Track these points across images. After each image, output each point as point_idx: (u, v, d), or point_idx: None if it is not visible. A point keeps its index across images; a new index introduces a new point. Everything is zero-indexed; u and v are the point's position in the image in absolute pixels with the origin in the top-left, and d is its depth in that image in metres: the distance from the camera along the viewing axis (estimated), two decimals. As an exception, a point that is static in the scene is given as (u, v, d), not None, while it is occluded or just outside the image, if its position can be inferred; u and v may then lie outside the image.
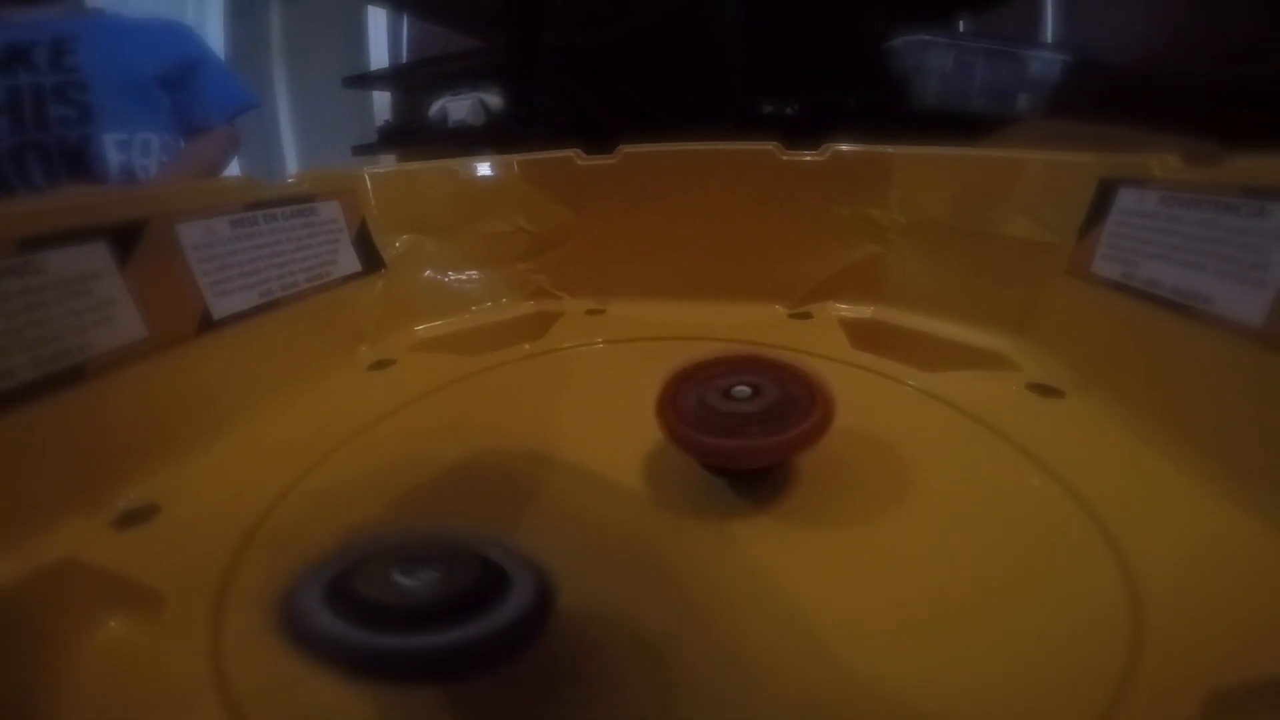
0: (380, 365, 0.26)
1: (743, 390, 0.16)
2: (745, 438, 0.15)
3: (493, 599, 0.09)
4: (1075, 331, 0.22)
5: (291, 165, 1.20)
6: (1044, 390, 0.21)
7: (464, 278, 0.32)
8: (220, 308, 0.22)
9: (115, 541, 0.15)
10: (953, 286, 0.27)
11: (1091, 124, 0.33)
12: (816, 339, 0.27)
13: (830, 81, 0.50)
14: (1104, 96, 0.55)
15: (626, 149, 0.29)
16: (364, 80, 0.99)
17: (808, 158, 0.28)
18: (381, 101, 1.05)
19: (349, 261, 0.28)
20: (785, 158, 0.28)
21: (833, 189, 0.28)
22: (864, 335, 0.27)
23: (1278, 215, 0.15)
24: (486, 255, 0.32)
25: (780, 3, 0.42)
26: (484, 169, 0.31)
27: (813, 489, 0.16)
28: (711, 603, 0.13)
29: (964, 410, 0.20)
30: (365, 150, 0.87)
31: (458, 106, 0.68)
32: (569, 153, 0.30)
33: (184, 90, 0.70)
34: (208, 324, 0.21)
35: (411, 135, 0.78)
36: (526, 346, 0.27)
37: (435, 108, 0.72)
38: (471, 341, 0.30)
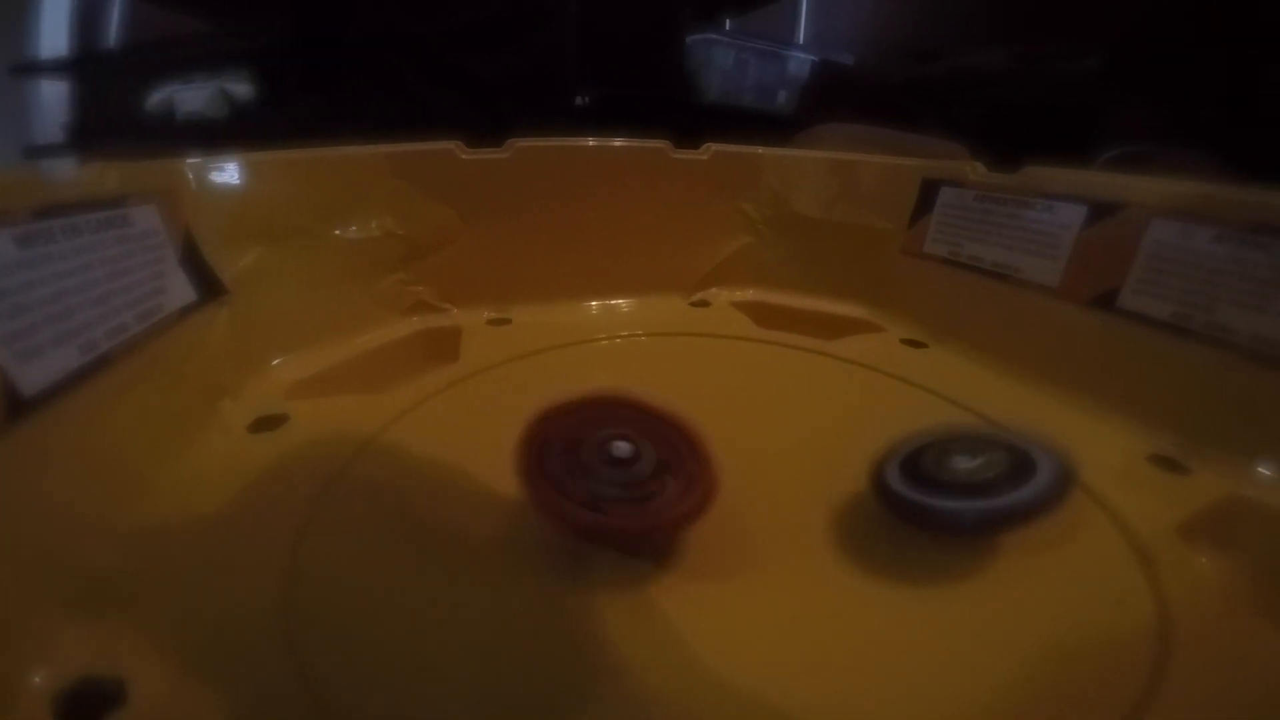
0: (265, 425, 0.21)
1: (622, 448, 0.14)
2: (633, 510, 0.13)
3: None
4: (919, 297, 0.29)
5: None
6: (913, 344, 0.27)
7: (327, 297, 0.27)
8: (30, 377, 0.15)
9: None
10: (815, 267, 0.32)
11: (882, 126, 0.41)
12: (723, 323, 0.30)
13: (630, 76, 0.52)
14: (836, 94, 0.68)
15: (519, 143, 0.27)
16: (38, 68, 0.68)
17: (693, 156, 0.30)
18: (53, 94, 0.74)
19: (180, 288, 0.21)
20: (674, 156, 0.30)
21: (713, 185, 0.31)
22: (751, 315, 0.31)
23: (1061, 210, 0.23)
24: (352, 267, 0.27)
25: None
26: (341, 162, 0.26)
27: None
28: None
29: (869, 366, 0.25)
30: (47, 152, 0.61)
31: (191, 97, 0.52)
32: (449, 145, 0.27)
33: None
34: (18, 406, 0.15)
35: (119, 131, 0.58)
36: (443, 371, 0.24)
37: (159, 98, 0.54)
38: (364, 375, 0.25)
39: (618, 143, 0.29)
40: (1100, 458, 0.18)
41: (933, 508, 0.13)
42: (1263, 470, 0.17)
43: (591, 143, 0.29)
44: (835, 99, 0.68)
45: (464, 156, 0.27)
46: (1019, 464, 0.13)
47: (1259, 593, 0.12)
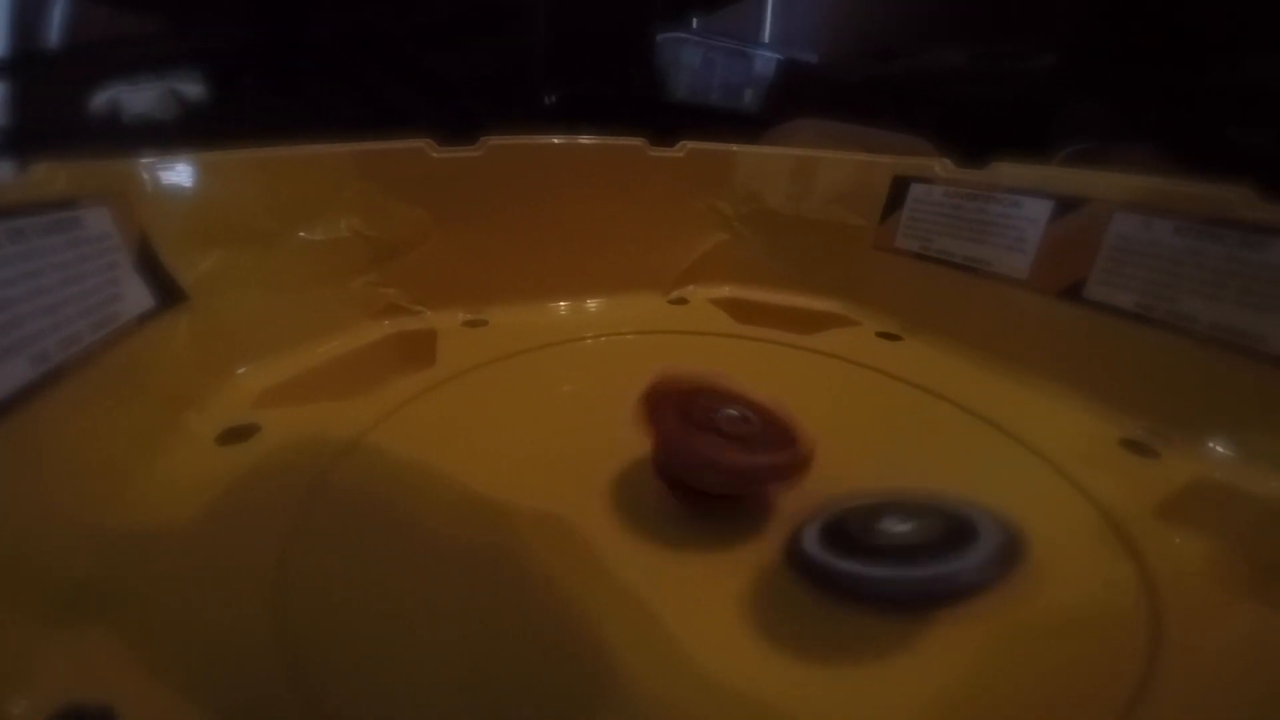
0: (234, 436, 0.20)
1: (731, 413, 0.15)
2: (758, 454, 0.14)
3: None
4: (893, 291, 0.29)
5: None
6: (889, 336, 0.28)
7: (294, 301, 0.26)
8: (-25, 396, 0.14)
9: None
10: (790, 263, 0.33)
11: (846, 123, 0.42)
12: (702, 320, 0.30)
13: (599, 75, 0.52)
14: (800, 92, 0.69)
15: (492, 141, 0.27)
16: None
17: (668, 154, 0.30)
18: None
19: (137, 295, 0.20)
20: (650, 154, 0.30)
21: (688, 183, 0.31)
22: (729, 311, 0.31)
23: (1028, 205, 0.23)
24: (319, 270, 0.26)
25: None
26: (305, 161, 0.25)
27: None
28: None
29: (847, 359, 0.25)
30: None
31: (139, 98, 0.49)
32: (419, 143, 0.26)
33: None
34: (-38, 427, 0.14)
35: (62, 134, 0.54)
36: (419, 375, 0.24)
37: (103, 99, 0.51)
38: (336, 382, 0.24)
39: (593, 141, 0.29)
40: (1074, 444, 0.19)
41: (855, 575, 0.12)
42: (1224, 451, 0.18)
43: (566, 141, 0.28)
44: (799, 97, 0.69)
45: (435, 155, 0.26)
46: (957, 531, 0.12)
47: (1234, 569, 0.13)
